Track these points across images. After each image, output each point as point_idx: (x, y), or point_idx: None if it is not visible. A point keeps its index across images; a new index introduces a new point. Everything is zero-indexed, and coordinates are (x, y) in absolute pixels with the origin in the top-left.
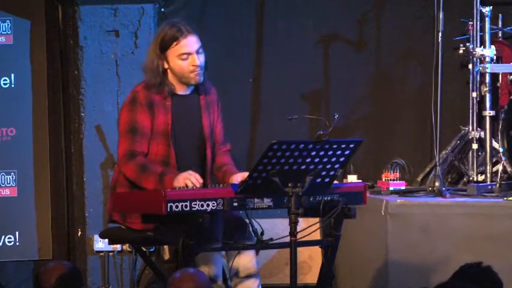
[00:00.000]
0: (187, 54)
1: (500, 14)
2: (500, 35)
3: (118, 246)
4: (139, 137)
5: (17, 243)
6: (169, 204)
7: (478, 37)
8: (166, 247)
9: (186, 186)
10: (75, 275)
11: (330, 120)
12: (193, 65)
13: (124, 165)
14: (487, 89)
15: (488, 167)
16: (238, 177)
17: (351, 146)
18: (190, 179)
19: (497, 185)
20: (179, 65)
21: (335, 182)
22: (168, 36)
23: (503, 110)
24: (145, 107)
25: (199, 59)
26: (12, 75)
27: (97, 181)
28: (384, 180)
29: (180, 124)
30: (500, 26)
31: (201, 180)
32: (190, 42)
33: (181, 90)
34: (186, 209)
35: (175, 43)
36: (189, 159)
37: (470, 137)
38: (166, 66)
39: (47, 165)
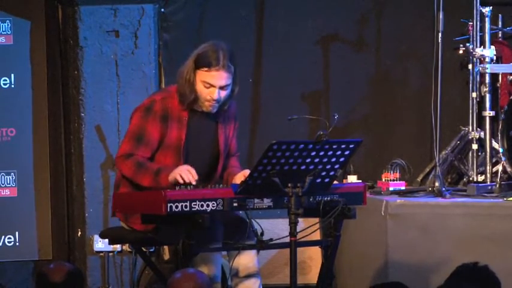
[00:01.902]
0: (211, 86)
1: (500, 14)
2: (500, 35)
3: (118, 247)
4: (143, 145)
5: (17, 244)
6: (169, 205)
7: (478, 37)
8: (166, 247)
9: (179, 184)
10: (77, 276)
11: (329, 120)
12: (211, 97)
13: (121, 163)
14: (487, 89)
15: (488, 168)
16: (240, 176)
17: (351, 146)
18: (183, 172)
19: (497, 185)
20: (199, 89)
21: (335, 182)
22: (204, 58)
23: (503, 110)
24: (158, 119)
25: (219, 95)
26: (12, 75)
27: (97, 181)
28: (383, 180)
29: (194, 140)
30: (500, 26)
31: (196, 177)
32: (219, 77)
33: (199, 107)
34: (186, 209)
35: (206, 69)
36: (198, 173)
37: (470, 137)
38: None
39: (47, 166)
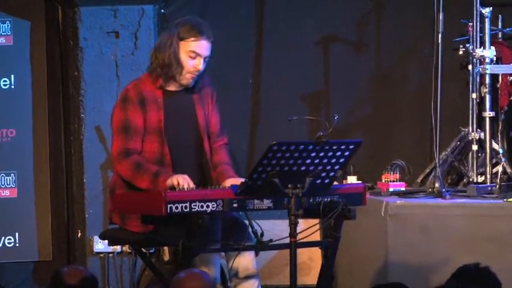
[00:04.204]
0: (197, 55)
1: (500, 15)
2: (500, 35)
3: (118, 247)
4: (132, 135)
5: (17, 244)
6: (169, 205)
7: (478, 38)
8: (166, 248)
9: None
10: (93, 282)
11: (329, 121)
12: (195, 68)
13: (119, 164)
14: (487, 90)
15: (488, 168)
16: (232, 181)
17: (351, 147)
18: (180, 178)
19: (497, 186)
20: (183, 60)
21: (335, 183)
22: (191, 29)
23: (503, 111)
24: (137, 105)
25: (203, 66)
26: (12, 76)
27: (97, 182)
28: (383, 181)
29: (173, 120)
30: (500, 27)
31: (191, 184)
32: (206, 47)
33: (173, 87)
34: (185, 210)
35: (193, 38)
36: (185, 157)
37: (470, 138)
38: None
39: (47, 166)
